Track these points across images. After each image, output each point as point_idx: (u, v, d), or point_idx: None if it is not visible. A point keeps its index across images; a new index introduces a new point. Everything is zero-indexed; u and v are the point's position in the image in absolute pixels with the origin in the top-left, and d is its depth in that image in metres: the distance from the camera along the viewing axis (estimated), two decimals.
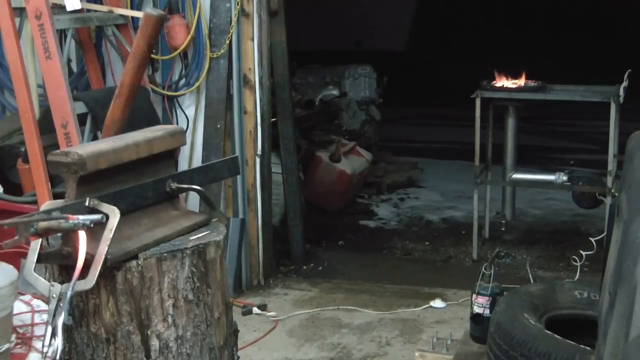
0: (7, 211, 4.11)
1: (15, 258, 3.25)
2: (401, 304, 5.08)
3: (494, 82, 5.94)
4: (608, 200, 5.42)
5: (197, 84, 5.23)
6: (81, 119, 4.35)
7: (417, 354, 3.83)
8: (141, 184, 1.88)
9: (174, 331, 1.79)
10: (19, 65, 4.24)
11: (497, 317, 3.28)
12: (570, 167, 6.41)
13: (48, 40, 4.16)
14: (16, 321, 3.07)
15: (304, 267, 5.75)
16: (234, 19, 5.12)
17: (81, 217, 1.61)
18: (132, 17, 4.97)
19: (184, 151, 5.22)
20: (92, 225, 1.60)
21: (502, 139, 6.12)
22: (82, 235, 1.62)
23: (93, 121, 4.45)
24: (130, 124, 3.60)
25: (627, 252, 1.77)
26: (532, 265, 5.29)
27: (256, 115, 5.29)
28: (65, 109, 4.19)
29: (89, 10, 4.80)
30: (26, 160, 4.35)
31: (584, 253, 4.64)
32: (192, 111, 5.31)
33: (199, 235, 1.91)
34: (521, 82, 5.95)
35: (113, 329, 1.75)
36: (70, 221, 1.60)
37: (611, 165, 5.47)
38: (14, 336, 2.93)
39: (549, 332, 3.12)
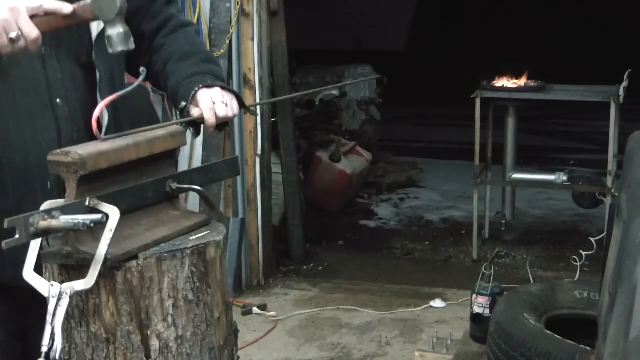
0: None
1: None
2: (401, 304, 5.08)
3: (494, 82, 5.94)
4: (608, 200, 5.42)
5: None
6: None
7: (417, 354, 3.83)
8: (141, 184, 1.88)
9: (174, 331, 1.79)
10: None
11: (497, 317, 3.28)
12: (570, 167, 6.42)
13: None
14: None
15: (304, 267, 5.75)
16: (234, 19, 5.12)
17: (81, 217, 1.61)
18: None
19: (184, 151, 5.21)
20: (92, 225, 1.60)
21: (502, 139, 6.11)
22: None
23: None
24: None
25: (627, 252, 1.77)
26: (532, 265, 5.29)
27: (256, 115, 5.29)
28: None
29: None
30: None
31: (584, 253, 4.64)
32: None
33: (199, 235, 1.90)
34: (521, 82, 5.95)
35: (113, 329, 1.75)
36: (71, 221, 1.60)
37: (611, 165, 5.47)
38: None
39: (549, 332, 3.12)
